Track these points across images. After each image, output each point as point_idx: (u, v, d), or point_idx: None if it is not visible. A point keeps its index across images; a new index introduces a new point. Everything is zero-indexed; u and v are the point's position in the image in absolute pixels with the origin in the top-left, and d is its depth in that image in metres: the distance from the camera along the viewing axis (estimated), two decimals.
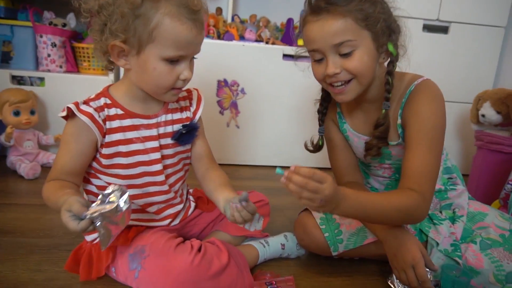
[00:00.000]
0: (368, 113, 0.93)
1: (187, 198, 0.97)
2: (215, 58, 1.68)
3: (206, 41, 1.67)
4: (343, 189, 0.69)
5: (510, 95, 1.40)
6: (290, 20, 1.84)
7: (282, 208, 1.34)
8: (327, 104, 1.01)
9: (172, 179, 0.87)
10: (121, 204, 0.61)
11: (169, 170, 0.86)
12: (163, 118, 0.84)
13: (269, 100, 1.75)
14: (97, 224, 0.59)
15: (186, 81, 0.77)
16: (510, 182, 1.19)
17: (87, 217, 0.58)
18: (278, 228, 1.13)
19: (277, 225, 1.18)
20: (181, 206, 0.91)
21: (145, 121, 0.81)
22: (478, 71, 1.82)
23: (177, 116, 0.87)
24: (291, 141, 1.78)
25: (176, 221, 0.91)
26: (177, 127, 0.86)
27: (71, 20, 1.77)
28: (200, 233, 0.97)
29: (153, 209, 0.86)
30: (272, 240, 0.99)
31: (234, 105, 1.73)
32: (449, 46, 1.79)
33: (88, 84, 1.67)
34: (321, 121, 1.02)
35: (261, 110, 1.75)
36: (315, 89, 1.78)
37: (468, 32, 1.77)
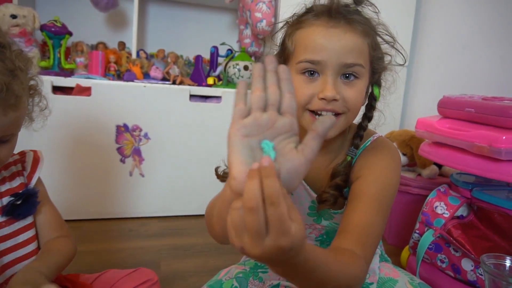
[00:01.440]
0: (323, 163, 0.76)
1: None
2: (113, 101, 1.50)
3: (102, 82, 1.49)
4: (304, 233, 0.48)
5: (413, 138, 1.42)
6: (199, 57, 1.73)
7: (186, 275, 1.19)
8: None
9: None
10: None
11: (11, 256, 0.68)
12: None
13: (176, 145, 1.60)
14: None
15: None
16: (417, 231, 1.17)
17: None
18: None
19: None
20: None
21: None
22: (386, 112, 1.86)
23: (6, 186, 0.71)
24: (202, 187, 1.64)
25: None
26: (6, 200, 0.69)
27: None
28: None
29: None
30: None
31: (137, 152, 1.56)
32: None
33: None
34: None
35: (167, 156, 1.60)
36: (225, 131, 1.69)
37: None
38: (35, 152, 0.78)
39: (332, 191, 0.70)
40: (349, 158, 0.70)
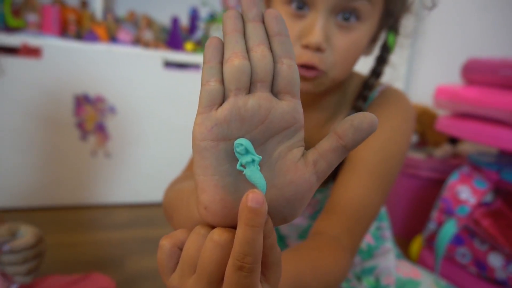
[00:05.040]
0: (316, 125, 0.62)
1: None
2: (71, 66, 1.25)
3: (56, 43, 1.24)
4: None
5: (424, 113, 1.23)
6: (175, 20, 1.49)
7: (155, 275, 0.98)
8: None
9: None
10: None
11: None
12: None
13: (148, 120, 1.37)
14: None
15: None
16: (434, 220, 0.99)
17: None
18: None
19: None
20: None
21: None
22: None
23: None
24: (179, 169, 1.42)
25: None
26: None
27: None
28: None
29: None
30: None
31: (100, 128, 1.32)
32: None
33: None
34: None
35: (138, 133, 1.37)
36: None
37: None
38: None
39: None
40: None
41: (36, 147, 1.26)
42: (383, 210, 0.79)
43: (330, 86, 0.53)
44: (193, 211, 0.32)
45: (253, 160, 0.25)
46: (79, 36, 1.37)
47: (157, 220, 1.32)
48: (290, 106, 0.26)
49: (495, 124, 0.86)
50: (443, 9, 1.53)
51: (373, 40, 0.56)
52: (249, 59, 0.26)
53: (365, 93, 0.57)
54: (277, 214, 0.27)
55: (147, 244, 1.15)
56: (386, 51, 0.57)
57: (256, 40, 0.26)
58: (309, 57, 0.47)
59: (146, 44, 1.43)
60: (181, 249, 0.28)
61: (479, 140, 0.90)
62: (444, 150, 1.23)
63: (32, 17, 1.36)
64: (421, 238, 1.09)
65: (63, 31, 1.38)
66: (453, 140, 1.29)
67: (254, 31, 0.26)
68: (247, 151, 0.25)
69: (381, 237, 0.76)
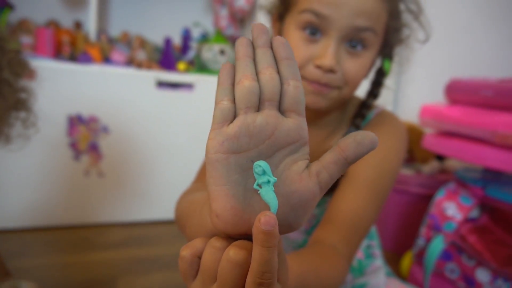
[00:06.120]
0: (316, 142, 0.67)
1: None
2: (65, 87, 1.27)
3: (50, 65, 1.25)
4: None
5: (412, 129, 1.26)
6: (168, 40, 1.52)
7: None
8: None
9: None
10: None
11: None
12: None
13: (141, 140, 1.38)
14: None
15: None
16: (422, 236, 1.01)
17: None
18: None
19: None
20: None
21: None
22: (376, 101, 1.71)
23: None
24: (172, 188, 1.42)
25: None
26: None
27: None
28: None
29: None
30: None
31: (93, 148, 1.33)
32: None
33: None
34: None
35: (131, 153, 1.38)
36: (198, 125, 1.49)
37: None
38: None
39: None
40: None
41: (28, 167, 1.26)
42: (373, 229, 0.81)
43: (337, 103, 0.58)
44: (205, 219, 0.35)
45: (269, 181, 0.28)
46: (73, 57, 1.39)
47: (150, 239, 1.32)
48: (295, 124, 0.29)
49: (478, 142, 0.89)
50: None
51: (371, 65, 0.61)
52: (258, 80, 0.28)
53: (363, 112, 0.62)
54: (283, 221, 0.29)
55: (140, 263, 1.15)
56: (382, 75, 0.63)
57: (265, 64, 0.29)
58: (321, 76, 0.54)
59: (139, 65, 1.45)
60: (199, 258, 0.30)
61: (463, 157, 0.92)
62: (431, 166, 1.26)
63: (26, 39, 1.38)
64: (411, 254, 1.10)
65: (57, 53, 1.40)
66: (440, 157, 1.32)
67: (263, 56, 0.29)
68: (264, 172, 0.27)
69: (371, 255, 0.78)
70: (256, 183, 0.28)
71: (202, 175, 0.69)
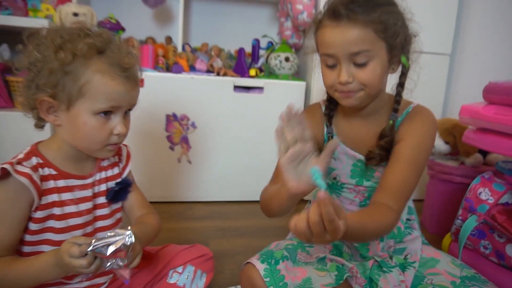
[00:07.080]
0: (363, 128, 0.90)
1: None
2: (163, 91, 1.60)
3: (153, 74, 1.59)
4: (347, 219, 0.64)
5: (456, 126, 1.41)
6: (241, 50, 1.80)
7: (233, 253, 1.27)
8: (333, 107, 0.96)
9: None
10: (126, 239, 0.61)
11: (102, 232, 0.79)
12: (97, 176, 0.80)
13: (221, 134, 1.68)
14: (104, 253, 0.59)
15: (120, 136, 0.74)
16: (459, 217, 1.18)
17: (89, 250, 0.58)
18: (226, 279, 1.06)
19: (225, 276, 1.11)
20: None
21: (80, 182, 0.76)
22: (428, 100, 1.85)
23: (109, 173, 0.84)
24: (245, 174, 1.72)
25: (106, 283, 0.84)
26: (110, 184, 0.82)
27: (4, 52, 1.64)
28: None
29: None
30: None
31: (184, 140, 1.66)
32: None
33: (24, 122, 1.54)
34: (329, 123, 0.97)
35: (213, 144, 1.69)
36: (267, 121, 1.75)
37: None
38: (127, 147, 0.91)
39: (378, 151, 0.84)
40: (391, 122, 0.84)
41: (137, 155, 1.61)
42: (412, 206, 1.01)
43: (368, 98, 0.82)
44: (282, 197, 0.70)
45: (319, 175, 0.58)
46: (167, 67, 1.72)
47: (228, 214, 1.62)
48: (309, 145, 0.68)
49: (508, 137, 1.04)
50: (479, 33, 1.70)
51: (392, 62, 0.82)
52: (293, 131, 0.67)
53: (397, 98, 0.85)
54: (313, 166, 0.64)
55: (223, 232, 1.44)
56: (403, 67, 0.84)
57: (295, 126, 0.67)
58: (343, 87, 0.79)
59: (217, 71, 1.75)
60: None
61: (496, 150, 1.09)
62: (474, 158, 1.40)
63: None
64: (450, 235, 1.27)
65: (155, 64, 1.74)
66: (483, 152, 1.45)
67: (293, 122, 0.68)
68: (316, 172, 0.58)
69: (410, 226, 0.99)
70: (313, 178, 0.59)
71: (275, 176, 0.94)
